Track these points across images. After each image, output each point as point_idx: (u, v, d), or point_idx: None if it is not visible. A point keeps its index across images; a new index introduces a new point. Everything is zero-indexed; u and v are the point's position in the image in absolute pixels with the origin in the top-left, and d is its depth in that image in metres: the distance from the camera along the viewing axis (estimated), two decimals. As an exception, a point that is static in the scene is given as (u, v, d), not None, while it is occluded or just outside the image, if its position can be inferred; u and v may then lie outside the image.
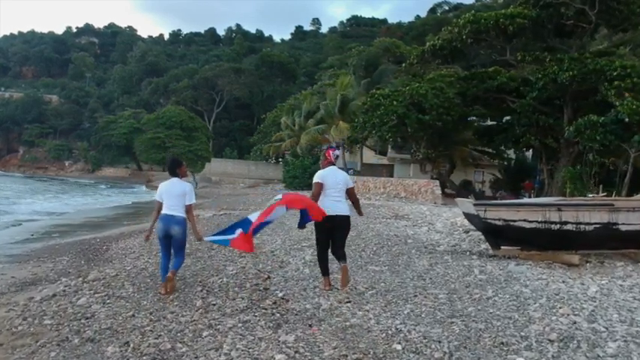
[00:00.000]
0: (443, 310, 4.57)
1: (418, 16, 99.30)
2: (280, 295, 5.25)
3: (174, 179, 5.52)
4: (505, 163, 29.77)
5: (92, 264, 7.68)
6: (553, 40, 24.75)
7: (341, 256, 5.39)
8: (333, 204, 5.32)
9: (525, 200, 8.32)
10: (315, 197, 5.35)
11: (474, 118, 28.56)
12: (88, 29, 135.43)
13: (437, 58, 27.03)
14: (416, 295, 5.08)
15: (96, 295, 5.35)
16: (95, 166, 77.52)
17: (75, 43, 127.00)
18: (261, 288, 5.60)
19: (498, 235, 7.02)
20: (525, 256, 7.14)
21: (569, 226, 6.72)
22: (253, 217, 5.42)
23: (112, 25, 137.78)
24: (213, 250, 8.28)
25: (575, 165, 20.98)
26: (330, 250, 5.51)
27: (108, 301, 5.11)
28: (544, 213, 6.72)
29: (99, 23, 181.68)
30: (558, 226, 6.72)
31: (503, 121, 27.69)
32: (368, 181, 28.98)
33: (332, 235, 5.36)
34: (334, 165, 5.54)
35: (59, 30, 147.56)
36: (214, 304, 4.96)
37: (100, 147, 73.71)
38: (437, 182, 23.14)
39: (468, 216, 7.42)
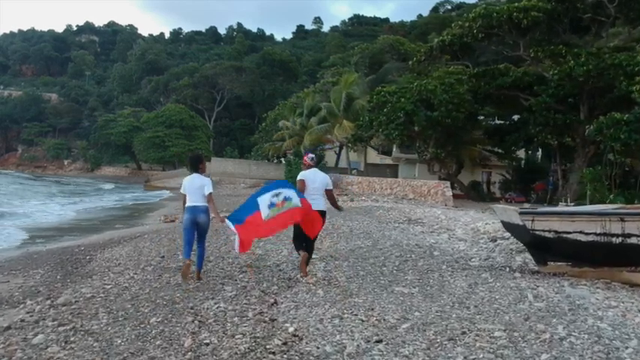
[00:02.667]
0: (508, 358, 3.48)
1: (420, 15, 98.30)
2: (291, 330, 4.16)
3: (195, 174, 6.18)
4: (515, 163, 28.67)
5: (69, 280, 6.60)
6: (568, 35, 23.69)
7: (311, 250, 6.42)
8: (312, 201, 6.09)
9: (579, 208, 7.20)
10: (301, 192, 6.10)
11: (482, 117, 27.51)
12: (88, 27, 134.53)
13: (446, 55, 25.98)
14: (464, 332, 3.98)
15: (60, 329, 4.26)
16: (94, 165, 76.43)
17: (75, 41, 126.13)
18: (267, 318, 4.51)
19: (547, 249, 5.94)
20: (576, 274, 6.05)
21: (633, 240, 5.63)
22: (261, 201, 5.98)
23: (112, 24, 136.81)
24: (210, 263, 7.22)
25: (593, 165, 19.95)
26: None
27: (72, 338, 4.02)
28: (603, 223, 5.63)
29: (99, 22, 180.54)
30: (620, 239, 5.64)
31: (515, 119, 26.68)
32: (374, 181, 27.89)
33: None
34: (314, 167, 6.41)
35: (59, 28, 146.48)
36: (207, 344, 3.87)
37: (99, 146, 72.55)
38: (447, 183, 22.03)
39: (508, 226, 6.32)
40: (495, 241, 9.40)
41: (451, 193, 21.15)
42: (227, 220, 6.07)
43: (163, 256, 7.83)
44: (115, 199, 31.04)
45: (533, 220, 5.75)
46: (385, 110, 23.10)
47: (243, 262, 7.32)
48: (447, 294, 5.18)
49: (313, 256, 7.56)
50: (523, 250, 8.32)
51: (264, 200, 5.92)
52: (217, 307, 4.88)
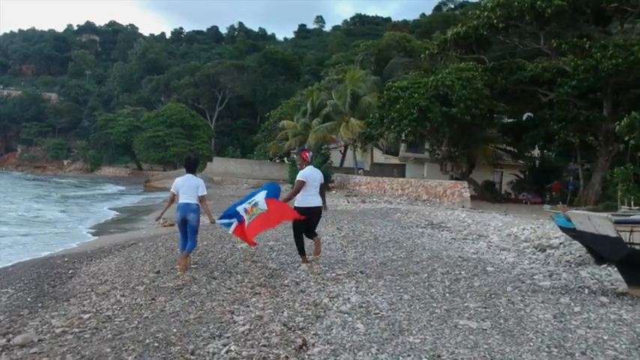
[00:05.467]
0: None
1: (423, 14, 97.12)
2: (336, 396, 2.90)
3: (190, 175, 6.54)
4: (529, 163, 27.34)
5: (40, 304, 5.33)
6: (589, 27, 22.42)
7: (314, 235, 6.62)
8: (311, 197, 6.42)
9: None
10: (296, 192, 6.40)
11: (495, 115, 26.21)
12: (88, 27, 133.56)
13: (460, 48, 24.70)
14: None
15: (3, 393, 3.01)
16: (94, 166, 75.09)
17: (75, 40, 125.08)
18: (297, 373, 3.25)
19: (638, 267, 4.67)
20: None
21: None
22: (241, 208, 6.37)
23: (113, 23, 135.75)
24: (214, 281, 5.94)
25: (620, 164, 18.67)
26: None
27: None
28: None
29: (100, 21, 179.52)
30: None
31: (527, 117, 25.35)
32: (383, 181, 26.58)
33: (308, 222, 6.42)
34: (311, 164, 6.58)
35: (60, 28, 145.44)
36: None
37: (99, 146, 71.15)
38: (465, 183, 20.71)
39: (591, 238, 5.01)
40: (544, 250, 8.14)
41: (469, 194, 19.85)
42: (217, 222, 6.58)
43: (159, 272, 6.55)
44: (138, 198, 32.54)
45: (632, 231, 4.48)
46: (397, 106, 21.82)
47: (255, 279, 6.05)
48: (532, 331, 3.90)
49: (339, 271, 6.30)
50: (582, 263, 7.06)
51: (241, 209, 6.35)
52: (227, 352, 3.61)
